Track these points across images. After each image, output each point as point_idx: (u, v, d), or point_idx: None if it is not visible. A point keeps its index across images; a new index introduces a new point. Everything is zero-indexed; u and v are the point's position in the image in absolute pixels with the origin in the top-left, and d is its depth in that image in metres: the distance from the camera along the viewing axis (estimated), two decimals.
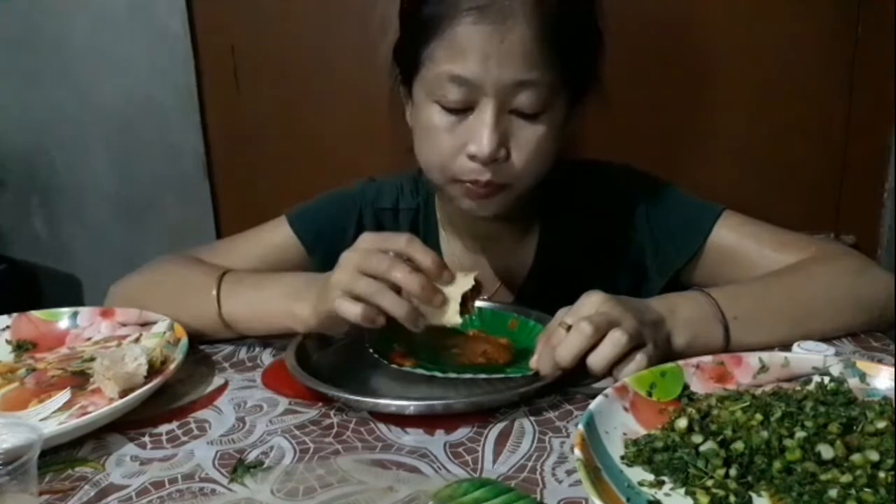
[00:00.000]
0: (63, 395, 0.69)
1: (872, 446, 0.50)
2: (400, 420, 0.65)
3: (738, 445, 0.52)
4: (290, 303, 0.75)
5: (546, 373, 0.66)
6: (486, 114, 0.77)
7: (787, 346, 0.69)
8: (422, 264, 0.67)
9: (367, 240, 0.70)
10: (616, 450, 0.55)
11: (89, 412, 0.64)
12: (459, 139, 0.79)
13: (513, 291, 0.97)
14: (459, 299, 0.67)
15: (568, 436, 0.61)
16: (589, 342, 0.63)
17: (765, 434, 0.52)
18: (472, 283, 0.68)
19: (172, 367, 0.70)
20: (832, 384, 0.60)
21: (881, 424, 0.52)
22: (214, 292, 0.80)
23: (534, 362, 0.68)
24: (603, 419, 0.56)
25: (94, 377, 0.70)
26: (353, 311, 0.67)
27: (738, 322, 0.72)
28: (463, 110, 0.79)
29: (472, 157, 0.79)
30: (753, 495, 0.49)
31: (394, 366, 0.71)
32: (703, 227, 0.88)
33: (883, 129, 1.41)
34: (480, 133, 0.77)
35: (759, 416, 0.54)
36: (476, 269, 0.96)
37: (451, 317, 0.67)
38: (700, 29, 1.36)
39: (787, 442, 0.51)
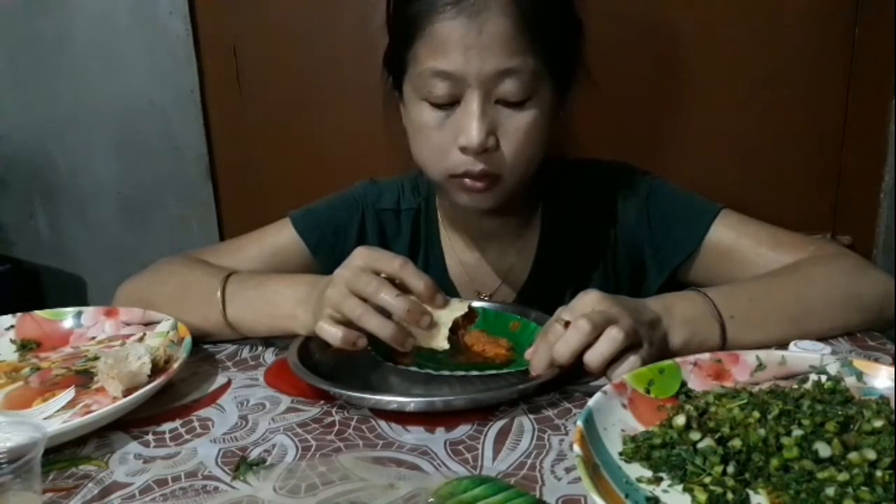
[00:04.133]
0: (67, 394, 0.70)
1: (870, 445, 0.50)
2: (401, 418, 0.66)
3: (736, 443, 0.52)
4: (294, 307, 0.76)
5: (541, 368, 0.67)
6: (471, 105, 0.79)
7: (783, 346, 0.69)
8: (414, 289, 0.68)
9: (361, 255, 0.70)
10: (614, 446, 0.55)
11: (93, 411, 0.64)
12: (449, 134, 0.81)
13: (514, 289, 0.98)
14: (450, 324, 0.68)
15: (567, 434, 0.62)
16: (586, 339, 0.64)
17: (762, 432, 0.52)
18: (466, 310, 0.69)
19: (176, 366, 0.70)
20: (829, 383, 0.60)
21: (878, 423, 0.52)
22: (219, 294, 0.81)
23: (529, 353, 0.69)
24: (601, 416, 0.56)
25: (98, 376, 0.71)
26: (333, 335, 0.69)
27: (734, 321, 0.72)
28: (450, 104, 0.81)
29: (463, 150, 0.81)
30: (751, 493, 0.49)
31: (388, 364, 0.72)
32: (702, 226, 0.89)
33: (880, 129, 1.41)
34: (468, 124, 0.79)
35: (756, 414, 0.54)
36: (478, 266, 0.98)
37: (440, 341, 0.68)
38: (695, 28, 1.36)
39: (785, 440, 0.51)
